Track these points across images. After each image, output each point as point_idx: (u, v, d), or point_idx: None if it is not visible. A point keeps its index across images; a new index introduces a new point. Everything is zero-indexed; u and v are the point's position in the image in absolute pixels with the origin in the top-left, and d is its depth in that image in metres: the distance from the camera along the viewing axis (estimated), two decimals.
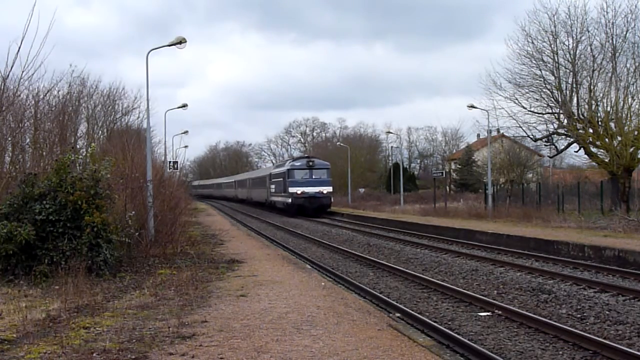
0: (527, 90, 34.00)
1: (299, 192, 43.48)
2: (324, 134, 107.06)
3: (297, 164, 45.75)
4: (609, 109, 31.75)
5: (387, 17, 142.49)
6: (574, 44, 32.55)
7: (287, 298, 10.96)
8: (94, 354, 7.30)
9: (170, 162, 29.71)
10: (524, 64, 33.82)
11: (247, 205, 67.82)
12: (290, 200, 44.03)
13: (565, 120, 33.30)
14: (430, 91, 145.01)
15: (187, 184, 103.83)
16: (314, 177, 44.59)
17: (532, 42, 33.52)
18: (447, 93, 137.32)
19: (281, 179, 47.09)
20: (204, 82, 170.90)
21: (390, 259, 19.72)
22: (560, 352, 8.83)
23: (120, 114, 40.96)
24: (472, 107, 36.29)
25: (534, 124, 34.69)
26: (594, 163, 34.91)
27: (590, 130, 31.67)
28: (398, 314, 11.09)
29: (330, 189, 45.10)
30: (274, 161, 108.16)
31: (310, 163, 45.20)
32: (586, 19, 32.36)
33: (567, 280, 14.32)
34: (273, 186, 51.11)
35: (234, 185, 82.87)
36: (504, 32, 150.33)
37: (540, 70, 33.50)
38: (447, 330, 9.83)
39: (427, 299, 13.08)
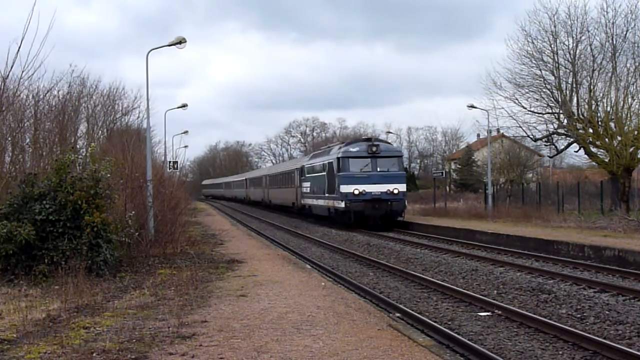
0: (527, 90, 34.08)
1: (356, 191, 29.35)
2: (324, 134, 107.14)
3: (354, 149, 30.69)
4: (609, 109, 31.79)
5: (387, 17, 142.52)
6: (574, 44, 32.61)
7: (287, 298, 10.96)
8: (94, 354, 7.31)
9: (170, 162, 29.74)
10: (524, 64, 33.90)
11: (263, 210, 54.98)
12: (342, 204, 29.88)
13: (565, 120, 33.34)
14: (430, 91, 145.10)
15: (197, 184, 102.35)
16: (379, 169, 30.02)
17: (532, 42, 33.61)
18: (447, 93, 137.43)
19: (323, 174, 33.44)
20: (204, 82, 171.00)
21: (390, 259, 19.71)
22: (560, 352, 8.83)
23: (120, 114, 40.94)
24: (472, 107, 36.29)
25: (534, 124, 34.77)
26: (594, 163, 34.94)
27: (590, 130, 31.69)
28: (398, 314, 11.09)
29: (404, 187, 30.42)
30: (274, 161, 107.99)
31: (374, 148, 30.09)
32: (586, 19, 32.43)
33: (567, 280, 14.31)
34: (307, 184, 37.55)
35: (245, 184, 70.13)
36: (504, 32, 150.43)
37: (540, 70, 33.57)
38: (447, 330, 9.83)
39: (427, 299, 13.07)
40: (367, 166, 30.14)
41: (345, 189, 29.80)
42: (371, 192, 29.45)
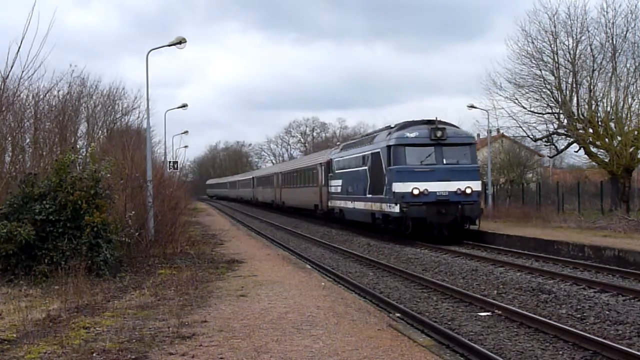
0: (527, 90, 34.05)
1: (416, 191, 22.39)
2: (324, 134, 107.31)
3: (411, 134, 23.41)
4: (609, 109, 31.79)
5: (388, 17, 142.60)
6: (574, 44, 32.59)
7: (287, 298, 10.96)
8: (94, 354, 7.31)
9: (170, 162, 29.76)
10: (524, 64, 33.88)
11: (274, 213, 49.33)
12: (396, 208, 22.84)
13: (565, 120, 33.34)
14: (431, 91, 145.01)
15: (197, 184, 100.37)
16: (446, 160, 23.09)
17: (532, 42, 33.58)
18: (447, 93, 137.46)
19: (364, 168, 26.68)
20: (204, 82, 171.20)
21: (390, 259, 19.71)
22: (560, 352, 8.83)
23: (120, 114, 40.86)
24: (472, 107, 36.21)
25: (534, 124, 34.74)
26: (594, 163, 34.93)
27: (590, 130, 31.69)
28: (398, 314, 11.10)
29: (478, 185, 23.84)
30: (274, 161, 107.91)
31: (439, 132, 23.06)
32: (586, 19, 32.41)
33: (567, 280, 14.31)
34: (338, 182, 30.87)
35: (252, 183, 64.45)
36: (504, 32, 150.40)
37: (540, 70, 33.55)
38: (447, 330, 9.84)
39: (427, 299, 13.07)
40: (430, 157, 23.07)
41: (399, 187, 22.69)
42: (436, 193, 22.52)
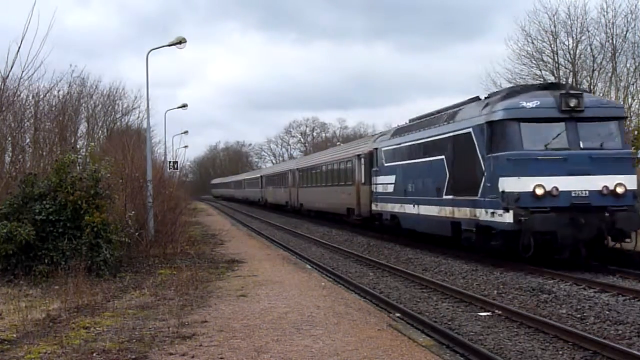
0: None
1: (539, 190, 14.44)
2: (324, 134, 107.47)
3: (530, 103, 15.05)
4: None
5: (388, 17, 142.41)
6: (574, 44, 32.63)
7: (287, 298, 10.96)
8: (94, 354, 7.31)
9: (170, 162, 29.75)
10: (524, 64, 33.91)
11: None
12: (506, 216, 14.81)
13: None
14: (431, 91, 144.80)
15: (197, 184, 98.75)
16: (584, 144, 14.95)
17: (532, 42, 33.62)
18: (448, 93, 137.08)
19: (439, 158, 18.78)
20: (204, 82, 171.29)
21: (390, 259, 19.69)
22: (560, 352, 8.82)
23: (120, 114, 41.03)
24: None
25: None
26: None
27: None
28: (398, 314, 11.09)
29: (633, 180, 15.15)
30: (274, 161, 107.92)
31: (572, 101, 14.86)
32: (586, 19, 32.44)
33: (567, 280, 14.30)
34: (389, 179, 23.31)
35: (260, 182, 59.11)
36: (504, 32, 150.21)
37: (540, 70, 33.59)
38: (447, 330, 9.82)
39: (427, 299, 13.07)
40: (560, 138, 15.06)
41: (512, 185, 14.89)
42: (570, 193, 14.73)
